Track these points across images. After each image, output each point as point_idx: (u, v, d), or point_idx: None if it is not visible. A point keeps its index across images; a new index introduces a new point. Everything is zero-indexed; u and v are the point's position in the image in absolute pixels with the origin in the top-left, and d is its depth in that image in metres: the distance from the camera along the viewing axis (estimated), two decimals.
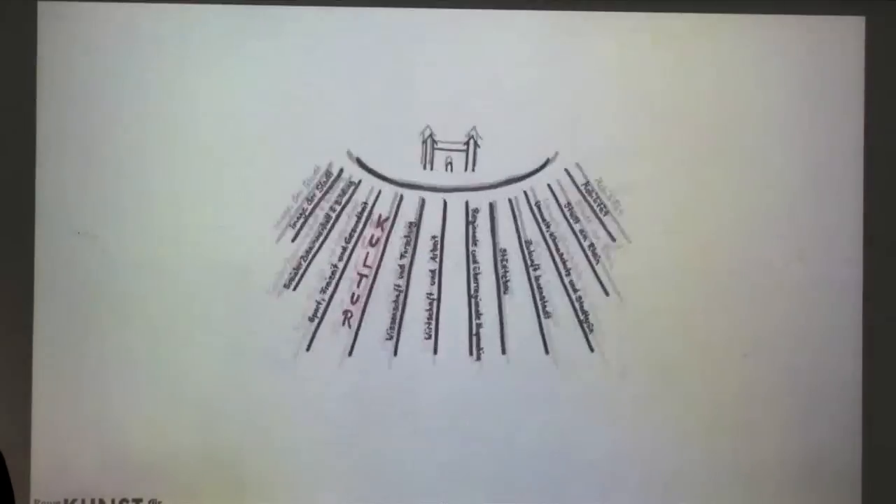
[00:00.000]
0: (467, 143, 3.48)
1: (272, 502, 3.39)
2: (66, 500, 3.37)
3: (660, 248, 3.46)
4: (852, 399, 3.46)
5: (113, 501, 3.38)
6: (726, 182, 3.46)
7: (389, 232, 3.49)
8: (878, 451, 3.46)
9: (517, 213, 3.49)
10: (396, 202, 3.49)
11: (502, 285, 3.48)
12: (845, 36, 3.48)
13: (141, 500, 3.38)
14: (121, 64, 3.40)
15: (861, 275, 3.46)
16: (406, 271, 3.48)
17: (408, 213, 3.49)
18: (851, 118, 3.48)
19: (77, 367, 3.38)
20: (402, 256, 3.48)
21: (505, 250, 3.48)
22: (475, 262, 3.48)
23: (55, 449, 3.37)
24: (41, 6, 3.39)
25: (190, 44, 3.40)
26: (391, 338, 3.47)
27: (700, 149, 3.46)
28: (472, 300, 3.47)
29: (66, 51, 3.39)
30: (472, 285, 3.47)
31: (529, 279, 3.48)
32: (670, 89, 3.46)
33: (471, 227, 3.48)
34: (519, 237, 3.48)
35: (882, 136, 3.47)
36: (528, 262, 3.48)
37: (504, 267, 3.48)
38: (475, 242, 3.48)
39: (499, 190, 3.49)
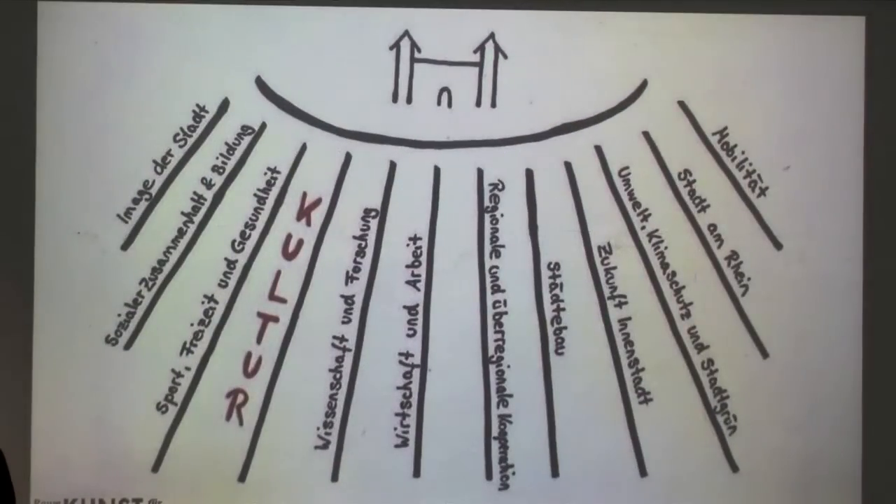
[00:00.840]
0: (480, 56, 2.20)
1: (272, 502, 3.39)
2: (66, 500, 3.37)
3: (661, 249, 3.45)
4: (852, 399, 3.46)
5: (113, 501, 3.37)
6: (726, 181, 3.46)
7: (325, 228, 2.26)
8: (878, 451, 3.45)
9: (580, 190, 2.24)
10: (339, 169, 2.21)
11: (553, 339, 2.14)
12: (845, 36, 3.48)
13: (141, 499, 3.38)
14: (121, 64, 3.39)
15: (861, 275, 3.46)
16: (357, 311, 2.11)
17: (363, 190, 2.28)
18: (851, 118, 3.48)
19: (77, 367, 3.38)
20: (349, 279, 2.14)
21: (557, 265, 2.22)
22: (497, 289, 2.15)
23: (55, 449, 3.37)
24: (41, 6, 3.39)
25: (190, 44, 3.40)
26: (325, 446, 2.23)
27: (699, 148, 3.46)
28: (491, 369, 2.13)
29: (66, 51, 3.39)
30: (493, 339, 2.10)
31: (607, 325, 2.20)
32: (670, 89, 3.45)
33: (488, 219, 2.27)
34: (585, 239, 2.25)
35: (882, 136, 3.47)
36: (605, 290, 2.15)
37: (556, 301, 2.12)
38: (496, 252, 2.17)
39: (544, 145, 2.23)
